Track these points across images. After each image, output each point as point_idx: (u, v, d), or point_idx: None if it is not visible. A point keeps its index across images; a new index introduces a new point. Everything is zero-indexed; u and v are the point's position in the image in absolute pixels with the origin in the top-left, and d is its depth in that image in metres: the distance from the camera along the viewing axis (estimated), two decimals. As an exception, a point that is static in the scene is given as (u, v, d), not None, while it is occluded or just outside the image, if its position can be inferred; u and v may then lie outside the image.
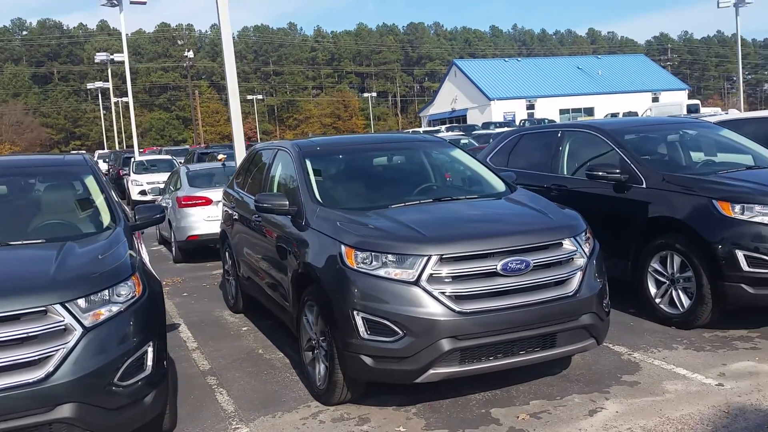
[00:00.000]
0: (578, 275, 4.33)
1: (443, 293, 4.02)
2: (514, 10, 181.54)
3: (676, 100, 53.50)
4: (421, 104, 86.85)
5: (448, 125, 53.45)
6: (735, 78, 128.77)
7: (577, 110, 59.13)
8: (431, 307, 3.99)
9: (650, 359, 5.07)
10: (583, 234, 4.56)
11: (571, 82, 61.98)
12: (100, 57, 45.23)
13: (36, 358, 3.40)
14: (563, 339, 4.28)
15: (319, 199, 4.98)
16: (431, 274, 4.05)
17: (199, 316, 7.31)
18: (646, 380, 4.68)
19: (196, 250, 10.64)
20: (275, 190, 5.79)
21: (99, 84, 63.65)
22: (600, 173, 6.33)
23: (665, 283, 5.83)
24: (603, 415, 4.18)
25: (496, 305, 4.09)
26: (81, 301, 3.59)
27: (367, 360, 4.07)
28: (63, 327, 3.49)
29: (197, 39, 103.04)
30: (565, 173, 7.15)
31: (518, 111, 57.60)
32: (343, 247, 4.26)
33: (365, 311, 4.06)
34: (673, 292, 5.76)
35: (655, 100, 58.84)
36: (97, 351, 3.53)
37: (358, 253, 4.18)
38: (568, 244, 4.39)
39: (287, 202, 5.06)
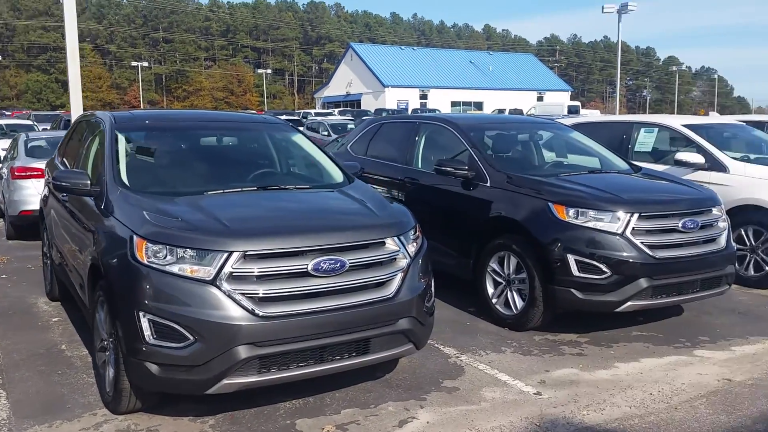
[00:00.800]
0: (399, 277, 4.05)
1: (244, 294, 3.62)
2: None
3: (558, 101, 55.81)
4: (320, 85, 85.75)
5: (341, 109, 53.04)
6: (617, 82, 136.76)
7: (468, 103, 60.39)
8: (228, 310, 3.58)
9: (476, 363, 4.92)
10: (411, 232, 4.30)
11: (464, 76, 63.20)
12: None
13: None
14: (378, 344, 4.00)
15: (125, 180, 4.43)
16: (232, 273, 3.63)
17: (10, 302, 6.53)
18: (467, 386, 4.51)
19: (32, 226, 9.64)
20: (89, 168, 5.16)
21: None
22: (448, 169, 6.15)
23: (502, 283, 5.73)
24: (413, 426, 3.94)
25: (305, 308, 3.74)
26: None
27: (153, 368, 3.61)
28: None
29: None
30: (419, 166, 6.94)
31: (412, 100, 58.06)
32: (134, 237, 3.76)
33: (153, 313, 3.59)
34: (509, 293, 5.67)
35: (540, 99, 61.09)
36: None
37: (150, 245, 3.69)
38: (390, 244, 4.10)
39: (89, 182, 4.48)
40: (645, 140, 8.39)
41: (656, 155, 8.22)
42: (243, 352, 3.57)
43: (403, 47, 68.79)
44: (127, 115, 5.39)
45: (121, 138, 4.81)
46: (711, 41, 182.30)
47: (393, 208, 4.57)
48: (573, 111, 44.92)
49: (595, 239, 5.18)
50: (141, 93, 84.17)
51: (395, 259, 4.08)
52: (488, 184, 5.93)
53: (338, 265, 3.82)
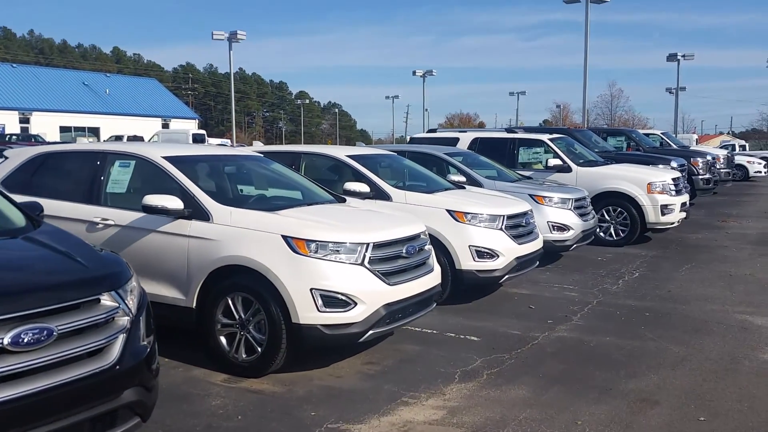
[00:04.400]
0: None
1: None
2: (32, 14, 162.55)
3: (184, 128, 53.40)
4: None
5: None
6: (255, 113, 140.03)
7: (81, 129, 54.04)
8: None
9: None
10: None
11: (76, 98, 56.38)
12: None
13: None
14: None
15: None
16: None
17: None
18: None
19: None
20: None
21: None
22: None
23: None
24: None
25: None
26: None
27: None
28: None
29: None
30: None
31: (10, 123, 49.60)
32: None
33: None
34: None
35: (166, 126, 57.84)
36: None
37: None
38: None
39: None
40: (119, 177, 6.11)
41: (132, 198, 5.95)
42: None
43: (-1, 63, 58.81)
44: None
45: None
46: (336, 80, 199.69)
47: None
48: (198, 139, 43.02)
49: None
50: None
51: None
52: None
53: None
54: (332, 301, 5.09)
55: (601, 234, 11.90)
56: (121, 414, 3.35)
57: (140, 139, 42.10)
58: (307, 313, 5.05)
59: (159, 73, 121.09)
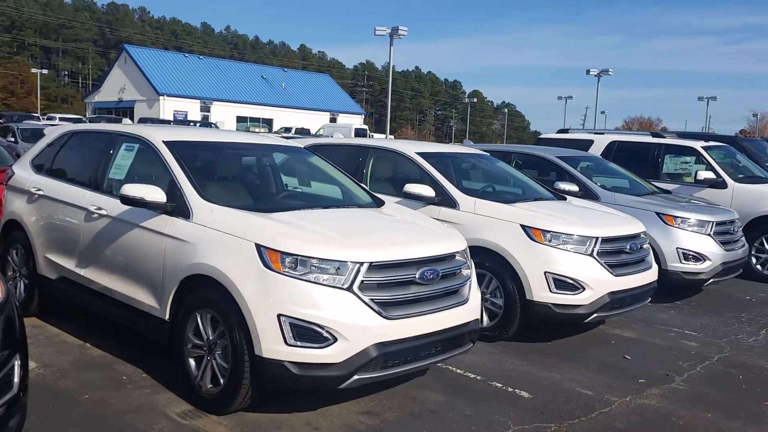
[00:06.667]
0: None
1: None
2: (228, 11, 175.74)
3: (348, 122, 54.60)
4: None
5: (111, 116, 47.39)
6: (427, 111, 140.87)
7: (256, 120, 57.15)
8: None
9: None
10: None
11: (253, 90, 59.78)
12: None
13: None
14: None
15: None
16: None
17: None
18: None
19: None
20: None
21: None
22: None
23: None
24: None
25: None
26: None
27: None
28: None
29: None
30: None
31: (192, 111, 53.69)
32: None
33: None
34: None
35: (333, 120, 59.58)
36: None
37: None
38: None
39: None
40: (122, 162, 5.42)
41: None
42: None
43: (187, 54, 63.77)
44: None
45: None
46: (512, 80, 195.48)
47: None
48: (360, 133, 43.94)
49: None
50: None
51: None
52: None
53: None
54: (305, 333, 3.99)
55: (758, 267, 9.59)
56: None
57: (307, 131, 43.57)
58: (273, 345, 3.99)
59: (340, 71, 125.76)
